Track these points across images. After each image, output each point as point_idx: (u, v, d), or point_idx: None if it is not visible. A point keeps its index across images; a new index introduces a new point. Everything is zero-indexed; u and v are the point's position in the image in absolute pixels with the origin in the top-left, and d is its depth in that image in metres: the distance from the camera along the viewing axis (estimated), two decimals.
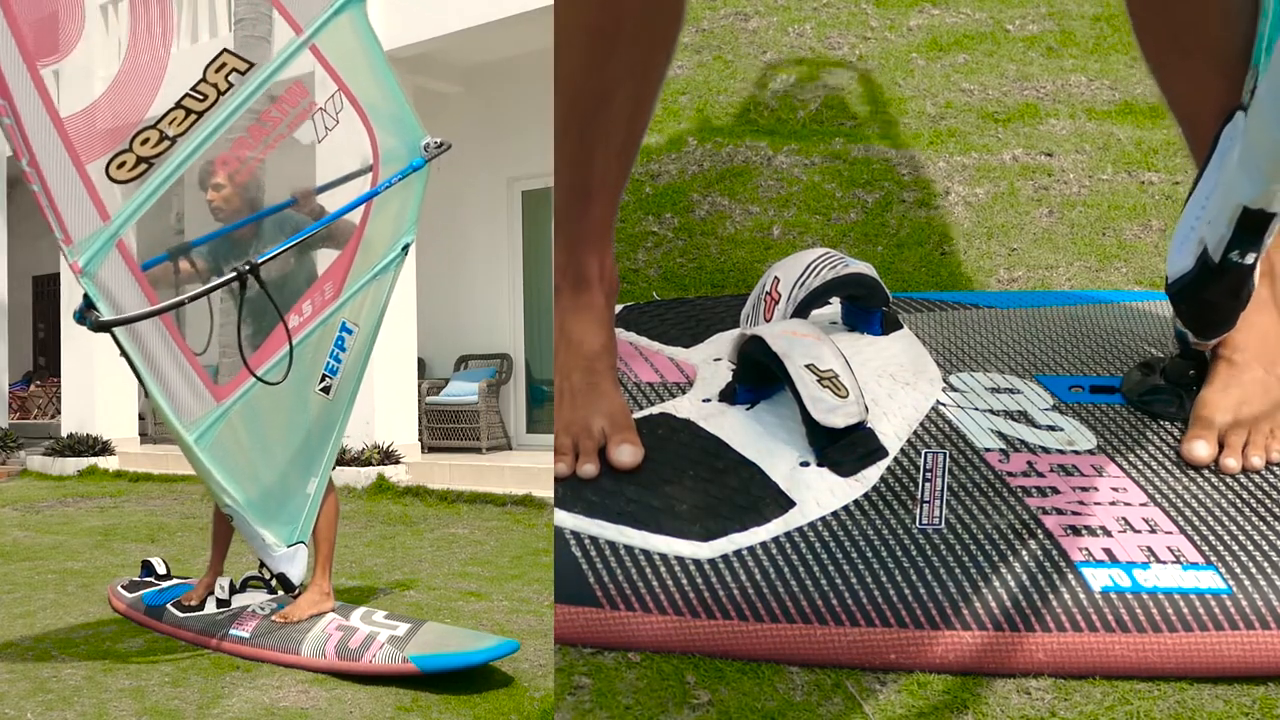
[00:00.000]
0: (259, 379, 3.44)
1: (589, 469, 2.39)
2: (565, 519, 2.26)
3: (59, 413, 11.67)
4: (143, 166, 3.23)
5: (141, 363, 3.31)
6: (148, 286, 3.34)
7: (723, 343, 2.76)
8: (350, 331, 3.64)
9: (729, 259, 3.54)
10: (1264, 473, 2.34)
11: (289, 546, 3.58)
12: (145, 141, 3.24)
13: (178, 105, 3.29)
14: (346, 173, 3.99)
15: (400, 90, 3.70)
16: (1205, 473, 2.36)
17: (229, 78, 3.32)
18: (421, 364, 9.24)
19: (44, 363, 14.95)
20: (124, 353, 3.32)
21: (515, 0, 7.49)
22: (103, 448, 9.91)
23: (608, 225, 2.64)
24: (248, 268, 3.36)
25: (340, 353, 3.62)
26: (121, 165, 3.22)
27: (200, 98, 3.30)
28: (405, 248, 3.74)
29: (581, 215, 2.60)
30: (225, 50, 3.41)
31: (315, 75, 3.86)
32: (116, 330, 3.26)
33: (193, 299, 3.39)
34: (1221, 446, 2.38)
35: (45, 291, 14.25)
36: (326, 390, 3.62)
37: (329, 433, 3.67)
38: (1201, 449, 2.36)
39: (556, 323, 2.66)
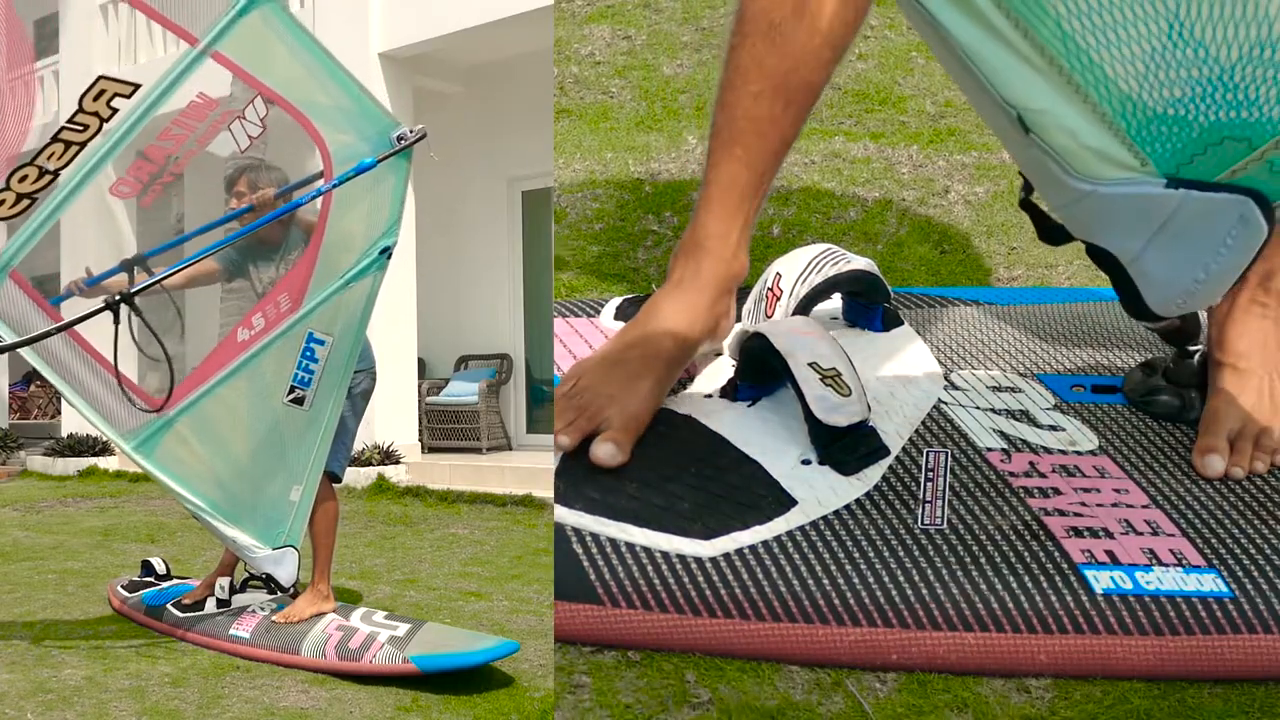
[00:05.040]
0: (174, 416, 3.45)
1: (564, 440, 2.34)
2: (565, 515, 2.25)
3: (59, 413, 11.66)
4: (25, 203, 3.28)
5: (58, 379, 3.41)
6: (52, 311, 3.45)
7: None
8: (321, 342, 3.47)
9: None
10: (1267, 476, 2.34)
11: (275, 549, 3.55)
12: (24, 178, 3.25)
13: (55, 139, 3.25)
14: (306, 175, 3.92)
15: (353, 84, 3.47)
16: None
17: (111, 104, 3.25)
18: (421, 364, 9.24)
19: None
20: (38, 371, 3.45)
21: (515, 0, 7.50)
22: (103, 448, 9.90)
23: (745, 189, 2.25)
24: (118, 298, 3.36)
25: (311, 364, 3.48)
26: (0, 203, 3.26)
27: (80, 128, 3.25)
28: (385, 251, 3.46)
29: (717, 166, 2.24)
30: (102, 76, 3.29)
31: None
32: (23, 352, 3.38)
33: (61, 328, 3.37)
34: None
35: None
36: (299, 401, 3.49)
37: (311, 441, 3.54)
38: (1216, 463, 2.34)
39: (654, 298, 2.41)
